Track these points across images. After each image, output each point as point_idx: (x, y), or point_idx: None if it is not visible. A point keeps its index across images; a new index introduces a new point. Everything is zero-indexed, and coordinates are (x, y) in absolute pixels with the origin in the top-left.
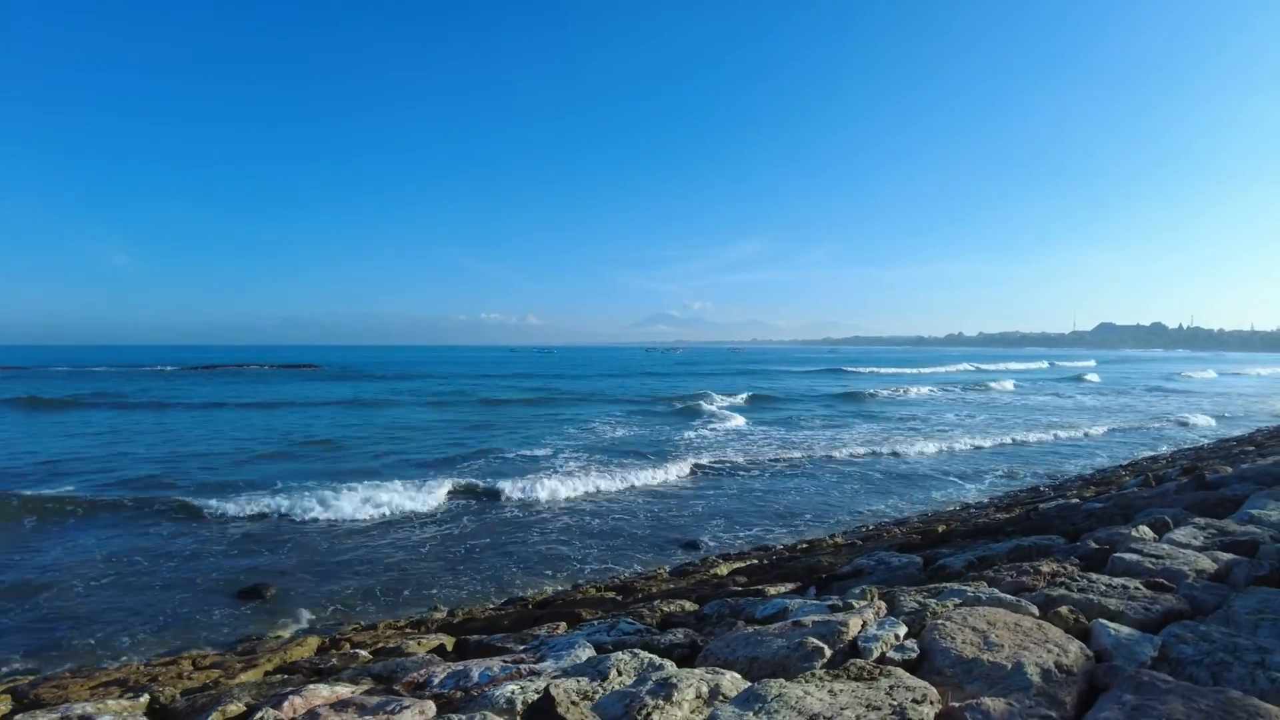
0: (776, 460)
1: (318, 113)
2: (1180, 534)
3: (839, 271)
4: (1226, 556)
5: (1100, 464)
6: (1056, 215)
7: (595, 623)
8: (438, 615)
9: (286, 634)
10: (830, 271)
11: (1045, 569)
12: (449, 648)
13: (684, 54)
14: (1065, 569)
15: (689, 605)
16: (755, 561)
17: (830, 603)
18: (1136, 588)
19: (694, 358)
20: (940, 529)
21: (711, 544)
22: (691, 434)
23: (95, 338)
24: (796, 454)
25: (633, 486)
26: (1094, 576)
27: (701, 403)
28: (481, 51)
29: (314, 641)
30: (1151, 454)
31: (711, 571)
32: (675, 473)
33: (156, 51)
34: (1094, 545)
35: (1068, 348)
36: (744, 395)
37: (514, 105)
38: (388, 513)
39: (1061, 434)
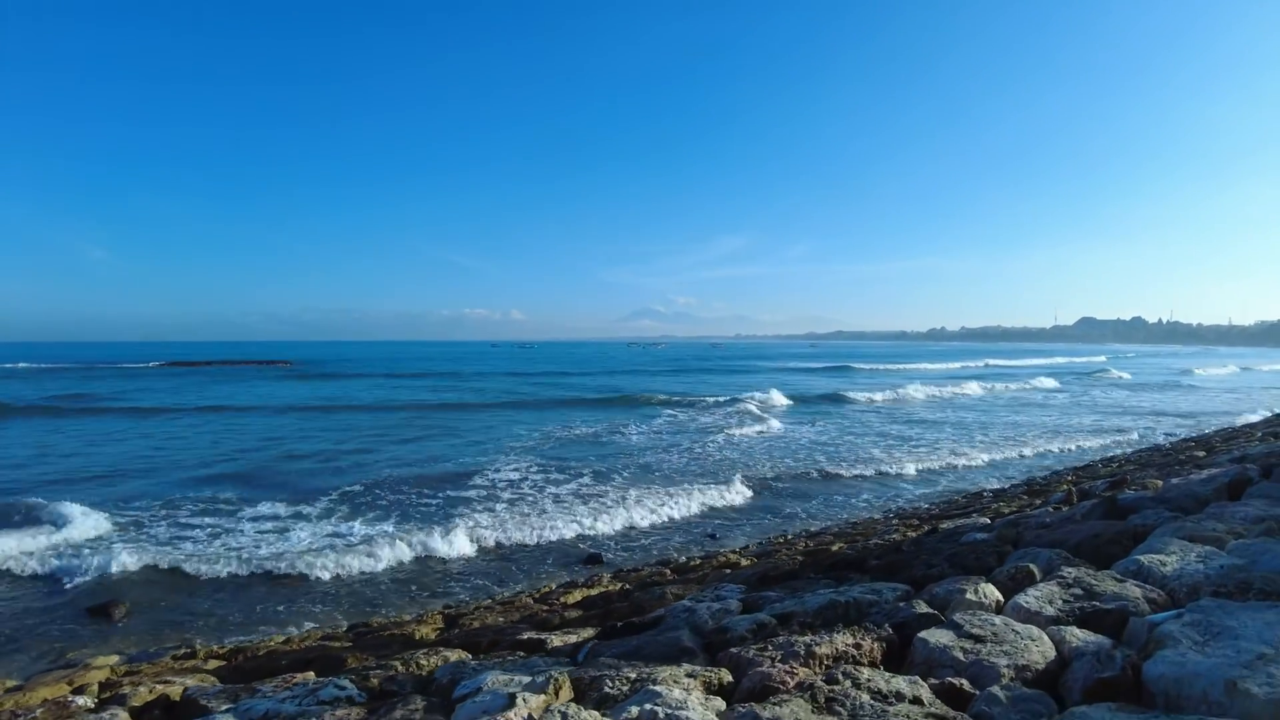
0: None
1: (299, 109)
2: (1034, 595)
3: (821, 267)
4: (1076, 638)
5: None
6: (1037, 211)
7: (298, 685)
8: (211, 651)
9: (97, 662)
10: (813, 266)
11: (826, 650)
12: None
13: (669, 50)
14: (860, 647)
15: (451, 656)
16: (605, 590)
17: (533, 678)
18: (920, 699)
19: (676, 353)
20: (835, 547)
21: (619, 557)
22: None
23: (72, 334)
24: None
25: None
26: (874, 676)
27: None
28: (463, 48)
29: (97, 675)
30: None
31: (561, 599)
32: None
33: (133, 49)
34: (920, 609)
35: (1049, 342)
36: (778, 395)
37: (497, 101)
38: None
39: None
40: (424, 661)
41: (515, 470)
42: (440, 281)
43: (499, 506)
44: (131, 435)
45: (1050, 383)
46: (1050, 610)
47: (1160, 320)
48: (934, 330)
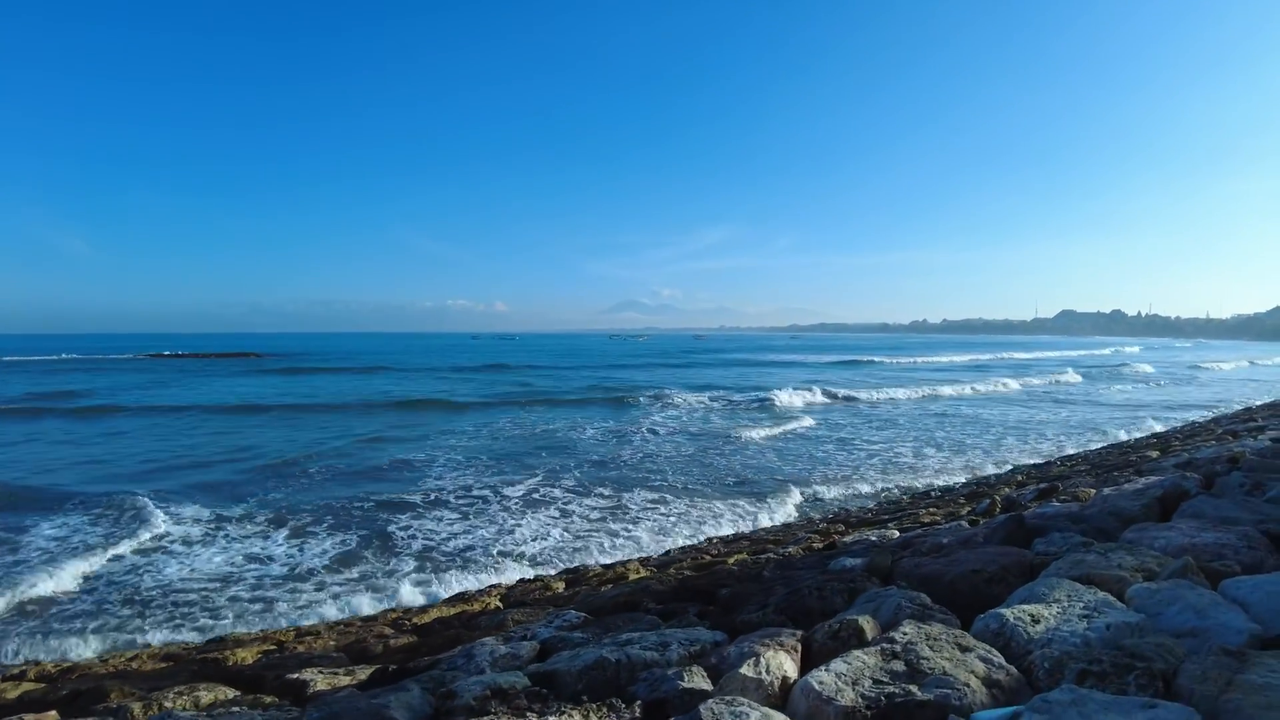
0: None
1: (281, 103)
2: (836, 673)
3: (805, 259)
4: None
5: None
6: (1016, 205)
7: None
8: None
9: None
10: (796, 259)
11: None
12: None
13: (654, 43)
14: None
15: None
16: (438, 615)
17: None
18: None
19: (659, 345)
20: (731, 560)
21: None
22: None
23: (51, 326)
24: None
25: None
26: None
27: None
28: (446, 41)
29: None
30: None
31: (412, 620)
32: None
33: (111, 43)
34: (689, 683)
35: (1031, 334)
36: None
37: (480, 92)
38: None
39: None
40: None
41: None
42: (423, 272)
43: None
44: (16, 439)
45: (1075, 377)
46: (847, 698)
47: (1140, 313)
48: (916, 323)
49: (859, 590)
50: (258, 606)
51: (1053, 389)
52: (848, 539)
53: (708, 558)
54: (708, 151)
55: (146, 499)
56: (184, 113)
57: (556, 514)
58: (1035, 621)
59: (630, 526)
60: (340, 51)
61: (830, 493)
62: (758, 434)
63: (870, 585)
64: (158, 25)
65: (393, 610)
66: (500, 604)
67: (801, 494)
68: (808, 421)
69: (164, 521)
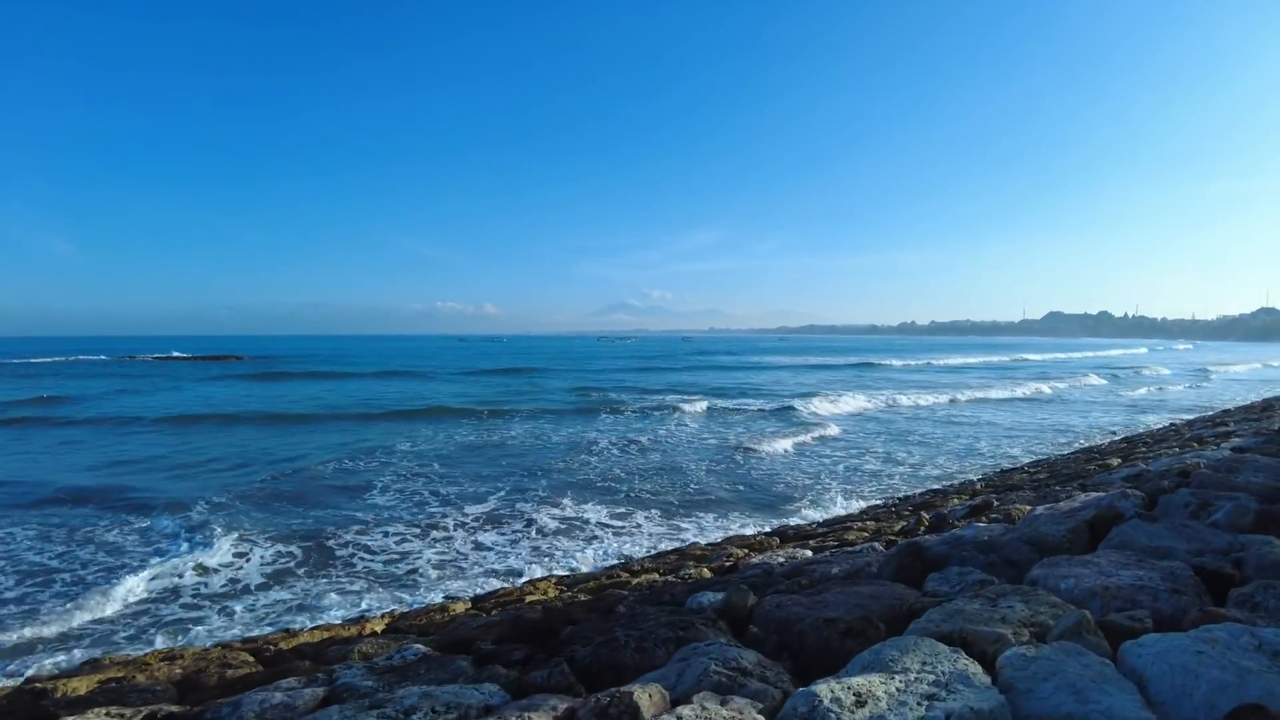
0: None
1: (268, 101)
2: None
3: (792, 260)
4: None
5: None
6: (1003, 207)
7: None
8: None
9: None
10: (784, 260)
11: None
12: None
13: (641, 42)
14: None
15: None
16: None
17: None
18: None
19: (648, 347)
20: (655, 575)
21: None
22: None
23: (31, 328)
24: None
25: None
26: None
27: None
28: (432, 38)
29: None
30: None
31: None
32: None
33: (95, 35)
34: None
35: (1018, 335)
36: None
37: (469, 92)
38: None
39: None
40: None
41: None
42: (412, 274)
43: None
44: None
45: (1098, 379)
46: None
47: (1126, 314)
48: (904, 324)
49: (688, 640)
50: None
51: (1087, 392)
52: (754, 560)
53: (625, 575)
54: (697, 154)
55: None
56: (170, 107)
57: (509, 530)
58: (860, 703)
59: (581, 544)
60: (319, 41)
61: (826, 510)
62: (771, 446)
63: (710, 633)
64: (139, 13)
65: (265, 635)
66: (380, 630)
67: (787, 508)
68: (832, 430)
69: None
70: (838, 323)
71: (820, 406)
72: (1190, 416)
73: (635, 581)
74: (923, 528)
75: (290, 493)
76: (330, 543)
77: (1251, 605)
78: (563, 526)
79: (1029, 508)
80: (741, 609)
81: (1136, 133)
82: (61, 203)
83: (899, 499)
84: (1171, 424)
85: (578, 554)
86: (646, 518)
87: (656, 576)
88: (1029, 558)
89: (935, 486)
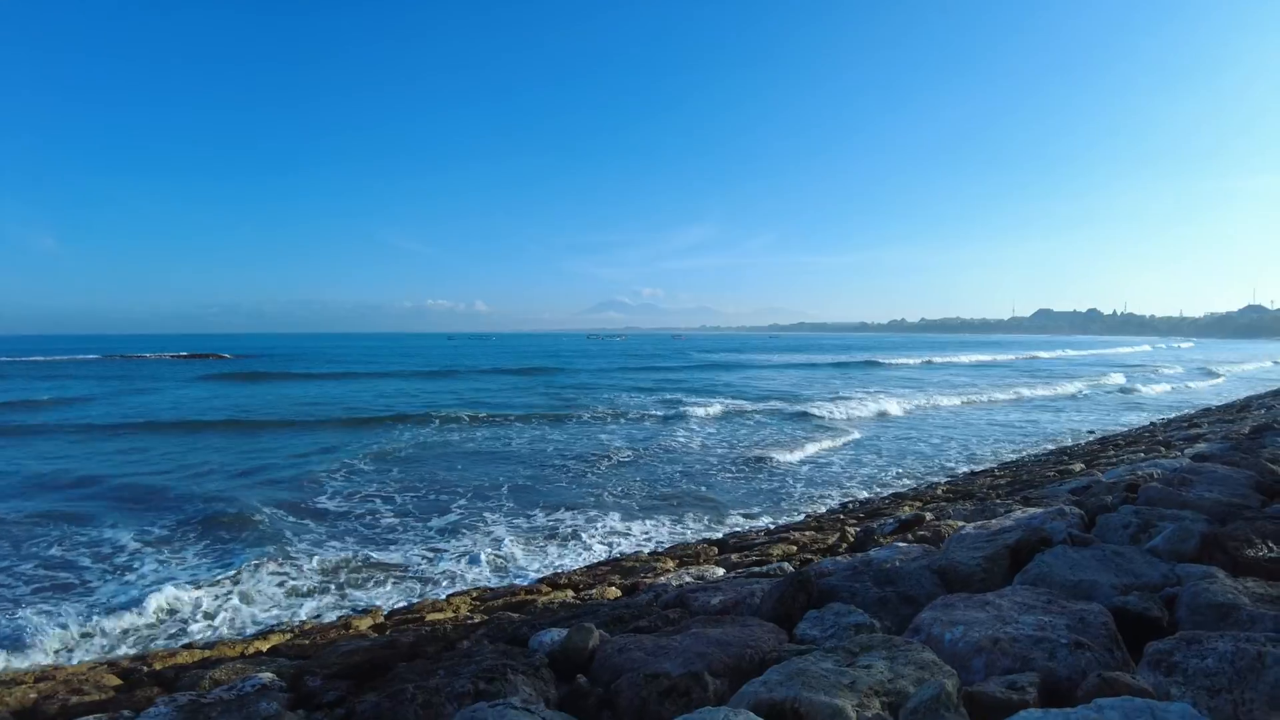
0: None
1: (255, 93)
2: None
3: (783, 258)
4: None
5: None
6: (993, 203)
7: None
8: None
9: None
10: (775, 258)
11: None
12: None
13: (632, 39)
14: None
15: None
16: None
17: None
18: None
19: (641, 344)
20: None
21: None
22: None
23: (15, 327)
24: None
25: None
26: None
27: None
28: (423, 31)
29: None
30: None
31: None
32: None
33: (80, 24)
34: None
35: (1008, 333)
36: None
37: (461, 91)
38: None
39: None
40: None
41: None
42: (402, 272)
43: None
44: None
45: (1119, 378)
46: None
47: (1115, 312)
48: (894, 322)
49: (488, 694)
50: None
51: (1112, 391)
52: (661, 580)
53: (545, 590)
54: (687, 150)
55: None
56: (156, 100)
57: (469, 543)
58: None
59: (529, 557)
60: (306, 31)
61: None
62: (791, 455)
63: (523, 685)
64: (125, 2)
65: (155, 652)
66: (265, 649)
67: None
68: (855, 435)
69: None
70: (828, 320)
71: (837, 410)
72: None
73: (544, 600)
74: (845, 545)
75: (231, 517)
76: (272, 562)
77: (1168, 666)
78: (525, 541)
79: (961, 524)
80: (581, 652)
81: (1124, 130)
82: (46, 197)
83: (857, 502)
84: (1152, 423)
85: (532, 561)
86: (642, 525)
87: (570, 595)
88: (930, 592)
89: (902, 489)
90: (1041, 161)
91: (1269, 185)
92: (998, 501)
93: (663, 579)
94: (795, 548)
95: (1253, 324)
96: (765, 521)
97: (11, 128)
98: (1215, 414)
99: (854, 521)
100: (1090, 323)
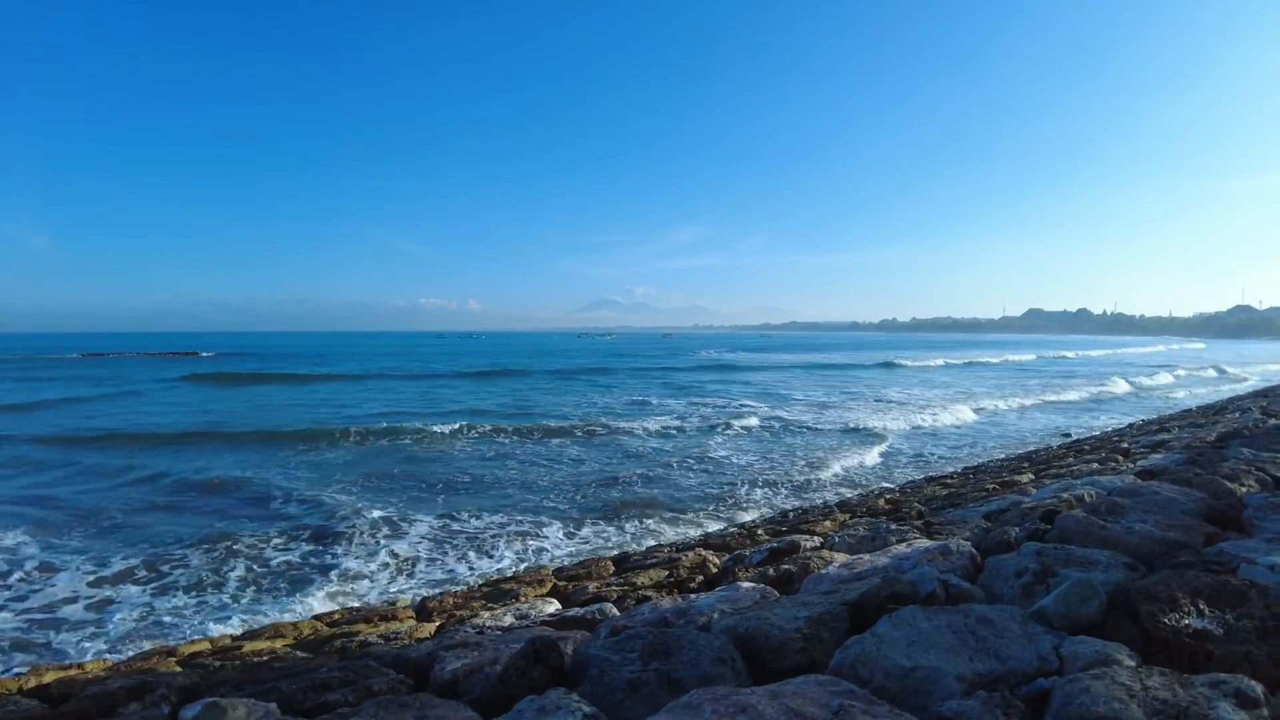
0: None
1: (246, 91)
2: None
3: (776, 257)
4: None
5: None
6: (982, 202)
7: None
8: None
9: None
10: (767, 257)
11: None
12: None
13: (625, 38)
14: None
15: None
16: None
17: None
18: None
19: (630, 344)
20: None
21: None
22: None
23: (12, 325)
24: None
25: None
26: None
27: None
28: (414, 29)
29: None
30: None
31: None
32: None
33: (70, 25)
34: None
35: (999, 333)
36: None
37: (455, 91)
38: None
39: None
40: None
41: None
42: (395, 270)
43: None
44: None
45: (1167, 377)
46: None
47: (1105, 312)
48: (886, 321)
49: None
50: None
51: (1167, 390)
52: (478, 620)
53: (401, 620)
54: (682, 149)
55: None
56: (147, 97)
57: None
58: None
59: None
60: (296, 31)
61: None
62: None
63: None
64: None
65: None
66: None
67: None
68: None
69: None
70: (819, 320)
71: (886, 423)
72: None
73: (364, 634)
74: (696, 580)
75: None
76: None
77: None
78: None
79: (834, 559)
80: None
81: (1114, 130)
82: (39, 196)
83: (780, 515)
84: (1129, 426)
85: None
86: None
87: (399, 624)
88: (708, 674)
89: (848, 496)
90: (1032, 161)
91: (1257, 186)
92: (893, 528)
93: (480, 619)
94: (667, 572)
95: (1241, 324)
96: (700, 532)
97: (2, 125)
98: (1192, 416)
99: (768, 536)
100: (1080, 322)
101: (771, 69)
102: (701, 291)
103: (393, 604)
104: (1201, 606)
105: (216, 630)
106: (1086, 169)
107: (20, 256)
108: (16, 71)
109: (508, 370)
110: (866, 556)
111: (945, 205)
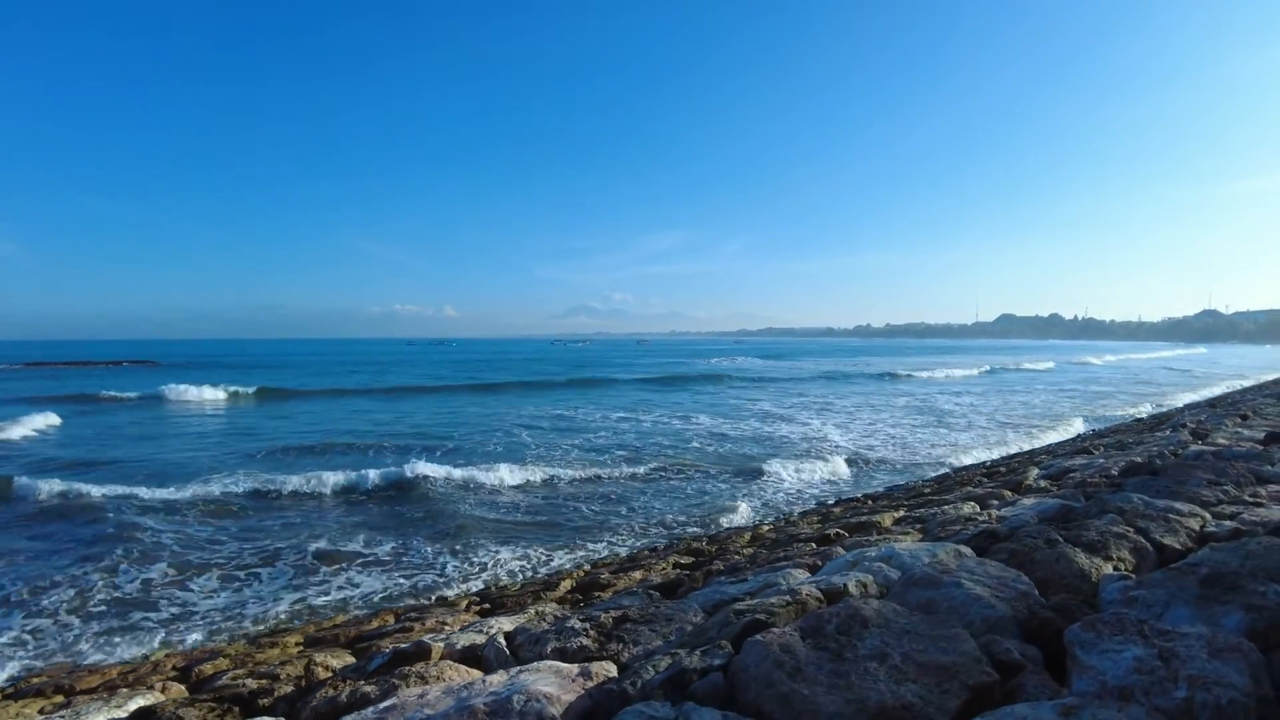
0: None
1: (225, 104)
2: None
3: (752, 263)
4: None
5: None
6: (955, 210)
7: None
8: None
9: None
10: (744, 263)
11: None
12: None
13: (603, 48)
14: None
15: None
16: None
17: None
18: None
19: (601, 351)
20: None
21: None
22: None
23: None
24: None
25: None
26: None
27: None
28: (394, 44)
29: None
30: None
31: None
32: None
33: (44, 40)
34: None
35: (971, 338)
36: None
37: (430, 97)
38: None
39: None
40: None
41: None
42: (371, 277)
43: None
44: None
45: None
46: None
47: (1076, 317)
48: (860, 327)
49: None
50: None
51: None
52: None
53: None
54: (659, 155)
55: None
56: (125, 111)
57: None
58: None
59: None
60: (275, 44)
61: None
62: None
63: None
64: (90, 13)
65: None
66: None
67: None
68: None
69: None
70: (795, 326)
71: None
72: None
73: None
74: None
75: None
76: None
77: None
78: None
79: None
80: None
81: (1086, 139)
82: (5, 201)
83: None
84: (1077, 437)
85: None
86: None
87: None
88: None
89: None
90: (1005, 169)
91: (1226, 194)
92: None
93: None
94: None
95: (1208, 328)
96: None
97: None
98: (1125, 432)
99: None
100: (1052, 327)
101: (751, 77)
102: (679, 297)
103: None
104: None
105: None
106: (1058, 177)
107: None
108: None
109: (437, 387)
110: (492, 679)
111: (920, 212)
